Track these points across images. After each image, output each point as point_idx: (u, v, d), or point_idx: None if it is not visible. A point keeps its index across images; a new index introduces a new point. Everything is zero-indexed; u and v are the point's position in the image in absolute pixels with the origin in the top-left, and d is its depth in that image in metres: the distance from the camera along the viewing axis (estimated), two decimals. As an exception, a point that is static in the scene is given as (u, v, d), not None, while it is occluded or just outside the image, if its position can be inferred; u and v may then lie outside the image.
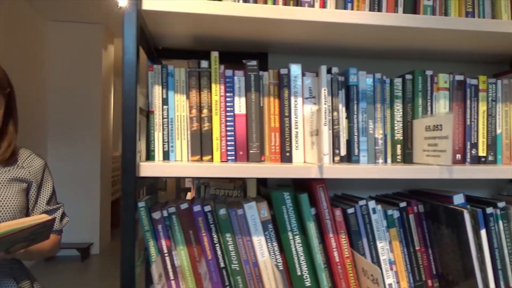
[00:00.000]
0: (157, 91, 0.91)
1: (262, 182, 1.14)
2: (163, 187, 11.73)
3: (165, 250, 0.89)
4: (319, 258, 0.91)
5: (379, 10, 0.99)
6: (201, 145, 0.92)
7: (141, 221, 0.88)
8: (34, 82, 4.61)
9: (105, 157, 5.27)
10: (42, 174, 1.23)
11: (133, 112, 0.74)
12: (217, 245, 0.90)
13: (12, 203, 1.10)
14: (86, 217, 4.93)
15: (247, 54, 1.12)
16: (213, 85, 0.92)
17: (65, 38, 5.01)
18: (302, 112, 0.96)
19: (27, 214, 1.17)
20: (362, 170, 0.84)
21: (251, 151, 0.94)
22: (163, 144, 0.91)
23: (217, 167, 0.81)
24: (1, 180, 1.11)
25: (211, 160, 0.92)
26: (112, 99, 5.82)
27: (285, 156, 0.95)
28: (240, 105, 0.94)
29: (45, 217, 0.93)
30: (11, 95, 1.13)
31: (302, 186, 1.01)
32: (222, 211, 0.90)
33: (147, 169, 0.76)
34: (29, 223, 0.89)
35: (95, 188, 5.01)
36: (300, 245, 0.92)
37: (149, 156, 0.91)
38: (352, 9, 0.98)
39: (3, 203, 1.07)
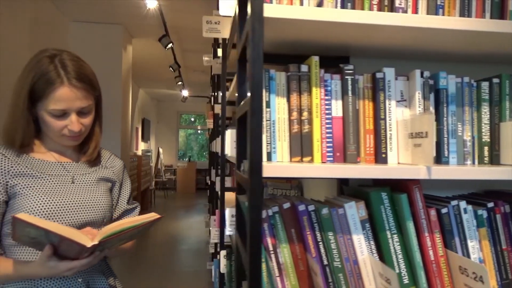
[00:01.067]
0: (260, 94, 0.94)
1: (344, 182, 1.18)
2: (172, 186, 11.79)
3: (271, 248, 0.92)
4: (418, 256, 0.94)
5: (469, 15, 1.01)
6: (301, 146, 0.95)
7: (248, 220, 0.92)
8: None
9: (124, 157, 5.31)
10: (122, 174, 1.26)
11: (260, 114, 0.77)
12: (320, 243, 0.93)
13: (103, 202, 1.13)
14: (107, 216, 4.97)
15: (328, 57, 1.15)
16: (313, 89, 0.95)
17: (86, 39, 5.05)
18: (396, 114, 1.00)
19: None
20: (469, 171, 0.87)
21: (348, 152, 0.97)
22: (267, 146, 0.94)
23: (340, 168, 0.85)
24: (90, 180, 1.14)
25: (311, 161, 0.95)
26: (131, 99, 5.86)
27: (381, 158, 0.98)
28: (337, 108, 0.97)
29: (154, 216, 0.96)
30: (99, 97, 1.17)
31: (390, 186, 1.04)
32: (325, 210, 0.93)
33: (271, 169, 0.80)
34: (141, 221, 0.92)
35: (115, 187, 5.04)
36: (398, 243, 0.95)
37: (254, 157, 0.94)
38: (443, 14, 1.01)
39: (94, 203, 1.11)
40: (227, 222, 1.57)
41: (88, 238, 0.88)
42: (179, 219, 7.39)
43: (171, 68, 6.18)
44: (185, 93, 8.95)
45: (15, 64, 3.68)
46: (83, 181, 1.13)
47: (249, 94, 0.88)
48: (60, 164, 1.11)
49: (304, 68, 0.96)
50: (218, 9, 3.42)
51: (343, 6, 0.97)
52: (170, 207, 8.80)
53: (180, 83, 7.40)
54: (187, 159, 12.43)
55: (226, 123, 3.57)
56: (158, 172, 10.34)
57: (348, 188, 1.14)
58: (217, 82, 3.28)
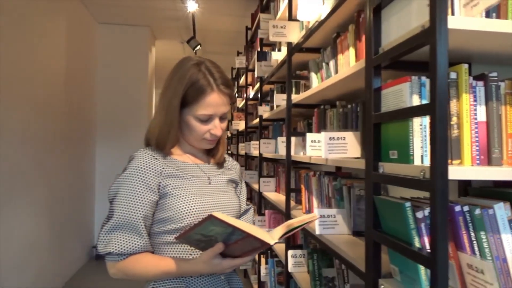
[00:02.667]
0: (414, 101, 0.99)
1: (467, 183, 1.22)
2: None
3: (427, 246, 0.96)
4: None
5: None
6: (451, 150, 1.00)
7: (407, 220, 0.96)
8: (85, 82, 4.67)
9: (150, 158, 5.33)
10: (241, 175, 1.31)
11: (446, 122, 0.82)
12: (474, 242, 0.98)
13: (235, 201, 1.17)
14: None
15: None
16: (463, 95, 1.00)
17: (114, 40, 5.07)
18: (532, 119, 1.05)
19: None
20: None
21: (493, 156, 1.01)
22: (420, 149, 0.99)
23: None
24: (222, 181, 1.18)
25: (461, 164, 1.00)
26: (154, 100, 5.89)
27: (523, 160, 1.03)
28: (481, 113, 1.02)
29: (314, 216, 1.00)
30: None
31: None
32: (478, 211, 0.97)
33: (456, 172, 0.85)
34: (306, 221, 0.96)
35: (142, 188, 5.06)
36: (543, 242, 1.00)
37: (408, 160, 0.98)
38: None
39: (230, 202, 1.15)
40: (317, 223, 1.62)
41: (269, 236, 0.91)
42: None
43: (192, 70, 6.21)
44: (198, 94, 8.98)
45: (52, 65, 3.70)
46: (217, 182, 1.17)
47: (423, 101, 0.93)
48: (197, 166, 1.15)
49: (453, 75, 1.00)
50: (262, 11, 3.46)
51: (487, 17, 1.01)
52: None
53: (197, 84, 7.43)
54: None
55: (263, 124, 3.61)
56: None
57: (473, 189, 1.19)
58: (260, 84, 3.32)
